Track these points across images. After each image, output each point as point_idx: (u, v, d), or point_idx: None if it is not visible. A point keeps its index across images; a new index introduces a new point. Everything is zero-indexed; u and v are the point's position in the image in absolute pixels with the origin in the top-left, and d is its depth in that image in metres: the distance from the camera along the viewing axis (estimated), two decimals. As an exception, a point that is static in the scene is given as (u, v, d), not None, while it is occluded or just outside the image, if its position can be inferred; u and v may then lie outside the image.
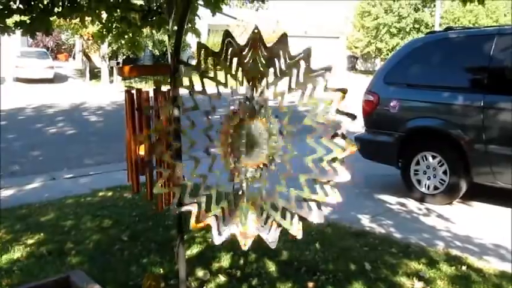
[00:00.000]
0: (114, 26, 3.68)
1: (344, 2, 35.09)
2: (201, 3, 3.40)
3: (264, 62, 1.86)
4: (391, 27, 34.62)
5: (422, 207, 5.84)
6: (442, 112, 5.95)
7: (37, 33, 3.58)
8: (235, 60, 1.89)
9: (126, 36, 3.82)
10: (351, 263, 3.99)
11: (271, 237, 1.88)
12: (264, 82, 1.88)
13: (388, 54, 29.14)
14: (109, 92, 21.15)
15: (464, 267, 3.94)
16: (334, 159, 1.73)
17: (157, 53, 26.70)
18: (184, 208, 1.97)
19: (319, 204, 1.77)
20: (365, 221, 5.31)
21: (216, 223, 1.94)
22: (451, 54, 6.13)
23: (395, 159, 6.38)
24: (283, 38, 1.82)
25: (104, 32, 3.79)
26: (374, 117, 6.61)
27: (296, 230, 1.82)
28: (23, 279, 3.64)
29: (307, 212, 1.78)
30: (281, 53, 1.82)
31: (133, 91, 2.61)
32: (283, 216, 1.85)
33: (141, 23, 3.41)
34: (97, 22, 3.66)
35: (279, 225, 1.87)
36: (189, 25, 3.67)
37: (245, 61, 1.86)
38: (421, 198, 6.05)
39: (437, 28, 24.79)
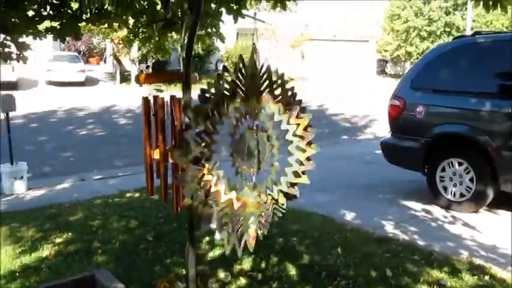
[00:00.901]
0: (140, 31, 3.77)
1: (374, 4, 34.87)
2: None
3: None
4: (421, 30, 34.24)
5: (448, 215, 5.78)
6: (469, 118, 5.88)
7: (67, 38, 3.71)
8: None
9: (152, 41, 3.91)
10: (372, 269, 3.99)
11: (265, 226, 2.16)
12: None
13: (418, 58, 28.80)
14: (138, 95, 21.41)
15: (487, 277, 3.89)
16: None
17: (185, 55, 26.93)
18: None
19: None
20: (389, 227, 5.29)
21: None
22: (478, 59, 6.05)
23: (421, 165, 6.32)
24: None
25: (131, 37, 3.89)
26: (400, 122, 6.58)
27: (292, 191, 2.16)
28: (50, 276, 3.75)
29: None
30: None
31: (150, 98, 2.69)
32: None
33: (163, 30, 3.49)
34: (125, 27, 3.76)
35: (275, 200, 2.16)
36: (214, 30, 3.74)
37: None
38: (447, 206, 5.99)
39: (468, 32, 24.43)
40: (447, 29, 33.93)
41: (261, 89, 2.04)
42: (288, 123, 2.07)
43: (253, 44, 2.01)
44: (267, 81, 2.05)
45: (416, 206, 6.08)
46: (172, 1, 3.16)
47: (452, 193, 5.99)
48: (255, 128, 2.11)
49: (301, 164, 2.12)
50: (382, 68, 37.81)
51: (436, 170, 6.14)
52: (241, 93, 2.02)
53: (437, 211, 5.91)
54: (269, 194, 2.13)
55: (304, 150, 2.10)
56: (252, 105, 2.05)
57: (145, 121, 2.72)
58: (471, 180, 5.82)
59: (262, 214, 2.09)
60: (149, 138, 2.74)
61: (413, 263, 4.16)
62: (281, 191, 2.12)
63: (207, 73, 28.54)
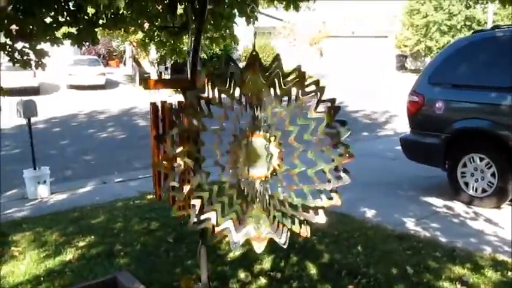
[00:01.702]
0: (156, 35, 3.81)
1: (392, 1, 34.56)
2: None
3: (262, 81, 1.97)
4: (441, 25, 33.84)
5: (470, 211, 5.71)
6: (489, 113, 5.80)
7: (84, 43, 3.76)
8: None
9: (168, 44, 3.94)
10: (392, 266, 3.96)
11: (282, 239, 2.03)
12: (265, 100, 2.00)
13: (438, 53, 28.47)
14: (158, 97, 21.55)
15: (510, 273, 3.84)
16: (336, 168, 1.90)
17: (204, 56, 27.05)
18: (203, 225, 2.09)
19: (324, 208, 1.99)
20: (410, 224, 5.25)
21: (231, 230, 2.07)
22: (497, 53, 5.96)
23: (442, 161, 6.26)
24: (276, 59, 1.93)
25: (147, 41, 3.94)
26: (419, 118, 6.53)
27: (304, 231, 2.04)
28: (73, 280, 3.81)
29: (313, 216, 2.00)
30: (276, 73, 1.94)
31: (158, 103, 2.72)
32: (293, 222, 2.03)
33: (177, 34, 3.53)
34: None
35: (289, 230, 2.04)
36: (228, 32, 3.76)
37: (245, 82, 1.97)
38: (469, 201, 5.92)
39: (489, 25, 24.06)
40: (468, 23, 33.49)
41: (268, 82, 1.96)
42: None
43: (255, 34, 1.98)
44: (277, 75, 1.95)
45: (437, 202, 6.03)
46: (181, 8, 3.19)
47: (474, 188, 5.92)
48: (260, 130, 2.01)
49: (331, 179, 1.91)
50: (401, 64, 37.48)
51: (457, 165, 6.08)
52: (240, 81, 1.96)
53: (458, 207, 5.85)
54: (283, 223, 2.00)
55: (332, 160, 1.88)
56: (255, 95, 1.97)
57: (153, 126, 2.75)
58: (493, 175, 5.75)
59: (270, 220, 2.05)
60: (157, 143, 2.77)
61: (435, 259, 4.13)
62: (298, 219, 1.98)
63: (226, 73, 28.61)
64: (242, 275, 3.85)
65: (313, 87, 1.91)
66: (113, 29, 3.74)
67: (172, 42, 3.88)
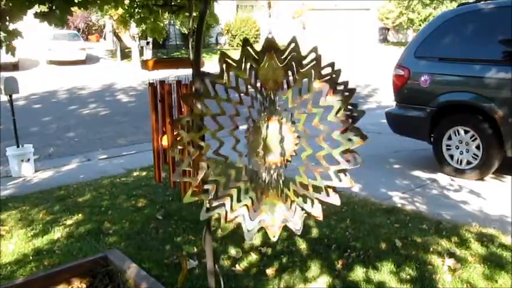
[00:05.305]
0: (136, 12, 3.71)
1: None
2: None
3: (279, 65, 1.91)
4: (423, -3, 33.71)
5: (455, 183, 5.78)
6: (474, 86, 5.83)
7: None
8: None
9: (148, 22, 3.84)
10: (381, 240, 4.01)
11: (296, 224, 1.99)
12: (281, 86, 1.95)
13: (420, 25, 28.50)
14: (140, 72, 21.29)
15: (496, 245, 3.91)
16: (345, 151, 1.90)
17: (185, 31, 26.66)
18: (216, 211, 2.03)
19: (334, 188, 1.94)
20: (396, 197, 5.30)
21: (245, 217, 2.01)
22: (483, 26, 5.97)
23: (427, 134, 6.32)
24: (292, 41, 1.87)
25: (126, 18, 3.84)
26: (405, 92, 6.55)
27: (317, 212, 1.96)
28: (63, 258, 3.79)
29: (325, 196, 1.94)
30: (293, 58, 1.88)
31: (157, 84, 2.67)
32: (305, 201, 1.98)
33: (161, 10, 3.44)
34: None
35: (302, 209, 1.98)
36: (208, 10, 3.67)
37: (261, 66, 1.90)
38: (454, 174, 6.00)
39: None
40: (450, -5, 33.37)
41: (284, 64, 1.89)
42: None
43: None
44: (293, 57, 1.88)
45: (423, 175, 6.09)
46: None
47: (459, 161, 6.00)
48: (276, 116, 1.95)
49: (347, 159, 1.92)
50: (384, 36, 37.40)
51: (442, 138, 6.13)
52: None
53: (443, 179, 5.92)
54: (298, 205, 1.97)
55: (351, 141, 1.88)
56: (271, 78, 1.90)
57: (152, 108, 2.69)
58: (477, 147, 5.81)
59: (286, 208, 1.99)
60: (156, 125, 2.73)
61: (422, 232, 4.18)
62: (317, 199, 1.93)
63: (207, 47, 28.33)
64: (233, 251, 3.86)
65: (329, 70, 1.87)
66: (90, 8, 3.60)
67: (152, 20, 3.78)
